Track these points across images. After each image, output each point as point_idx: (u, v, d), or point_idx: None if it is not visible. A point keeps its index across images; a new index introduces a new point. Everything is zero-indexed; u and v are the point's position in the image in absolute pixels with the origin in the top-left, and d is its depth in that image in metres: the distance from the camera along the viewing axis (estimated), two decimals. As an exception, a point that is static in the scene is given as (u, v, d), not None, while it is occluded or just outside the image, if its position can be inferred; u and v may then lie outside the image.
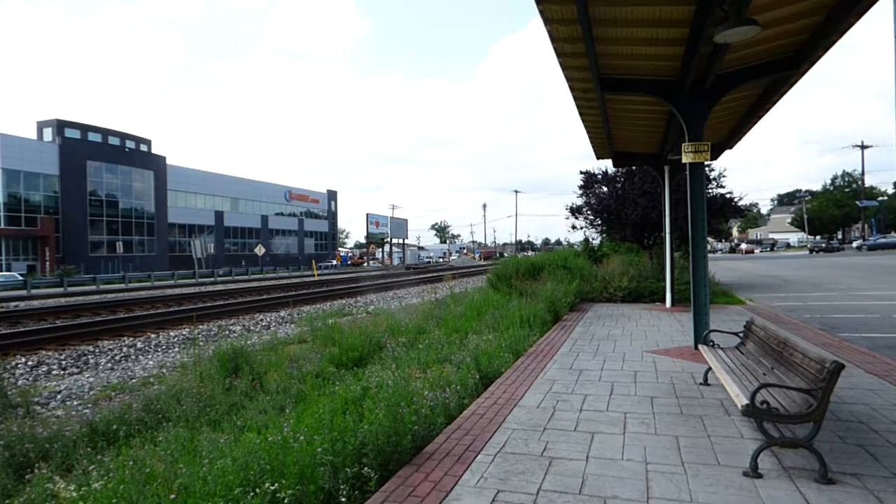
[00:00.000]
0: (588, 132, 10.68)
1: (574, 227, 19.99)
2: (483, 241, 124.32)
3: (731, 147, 11.11)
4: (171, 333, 12.67)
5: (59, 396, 7.24)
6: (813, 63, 6.67)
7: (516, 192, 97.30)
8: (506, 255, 71.62)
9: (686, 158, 6.94)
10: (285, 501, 2.89)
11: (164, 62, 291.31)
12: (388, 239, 76.31)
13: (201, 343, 9.98)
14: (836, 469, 3.38)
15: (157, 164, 55.21)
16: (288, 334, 11.30)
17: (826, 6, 5.52)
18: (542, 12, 5.26)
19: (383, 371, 6.14)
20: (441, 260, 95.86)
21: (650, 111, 9.16)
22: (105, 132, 51.93)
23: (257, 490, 2.92)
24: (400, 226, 76.27)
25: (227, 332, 11.94)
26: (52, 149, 46.14)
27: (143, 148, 55.75)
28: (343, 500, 3.07)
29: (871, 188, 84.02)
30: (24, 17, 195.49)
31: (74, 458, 4.20)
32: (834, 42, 6.12)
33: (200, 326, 13.31)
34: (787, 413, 3.36)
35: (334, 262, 70.08)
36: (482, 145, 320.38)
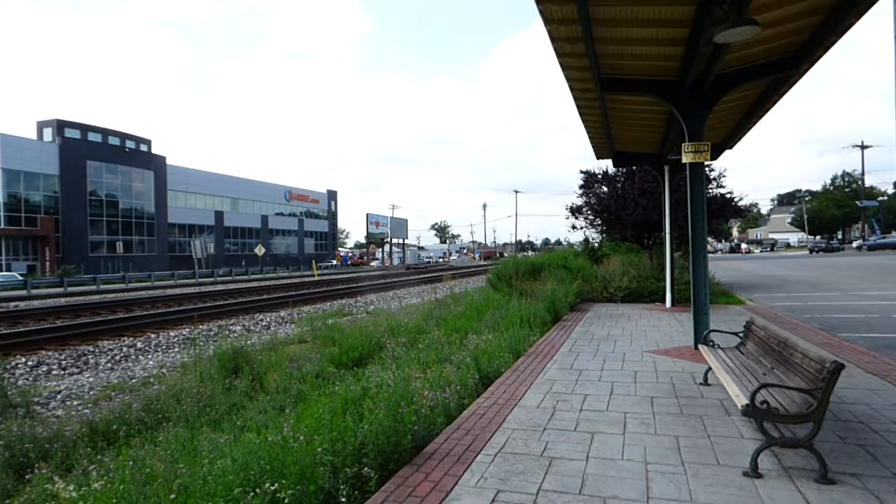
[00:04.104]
0: (588, 132, 10.68)
1: (574, 227, 19.94)
2: (483, 241, 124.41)
3: (731, 147, 11.11)
4: (171, 333, 12.67)
5: (59, 396, 7.24)
6: (813, 63, 6.67)
7: (516, 192, 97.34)
8: (506, 255, 71.61)
9: (686, 158, 6.94)
10: (285, 501, 2.89)
11: (164, 62, 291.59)
12: (388, 239, 76.30)
13: (201, 343, 9.98)
14: (836, 469, 3.38)
15: (157, 164, 55.21)
16: (288, 334, 11.30)
17: (826, 6, 5.52)
18: (542, 12, 5.26)
19: (383, 371, 6.15)
20: (441, 260, 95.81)
21: (650, 111, 9.16)
22: (105, 132, 51.91)
23: (257, 490, 2.92)
24: (400, 226, 76.25)
25: (228, 332, 11.94)
26: (52, 149, 46.13)
27: (143, 148, 55.74)
28: (343, 500, 3.07)
29: (871, 188, 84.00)
30: (24, 16, 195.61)
31: (74, 458, 4.21)
32: (834, 42, 6.12)
33: (200, 326, 13.31)
34: (787, 413, 3.36)
35: (334, 262, 70.08)
36: (483, 145, 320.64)
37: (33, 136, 47.52)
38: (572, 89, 7.75)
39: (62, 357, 10.11)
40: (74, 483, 3.29)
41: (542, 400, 5.15)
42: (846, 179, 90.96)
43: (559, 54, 6.35)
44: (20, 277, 35.69)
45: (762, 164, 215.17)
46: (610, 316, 11.09)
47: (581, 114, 9.20)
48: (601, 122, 9.49)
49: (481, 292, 14.44)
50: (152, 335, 12.50)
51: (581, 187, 19.21)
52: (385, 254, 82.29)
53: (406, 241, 79.43)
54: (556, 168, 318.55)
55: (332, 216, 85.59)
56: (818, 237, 78.68)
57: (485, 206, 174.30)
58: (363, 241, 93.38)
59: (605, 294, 14.10)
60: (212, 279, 39.45)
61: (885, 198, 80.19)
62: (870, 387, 5.31)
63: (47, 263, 43.05)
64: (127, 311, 17.99)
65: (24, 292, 28.45)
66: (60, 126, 48.01)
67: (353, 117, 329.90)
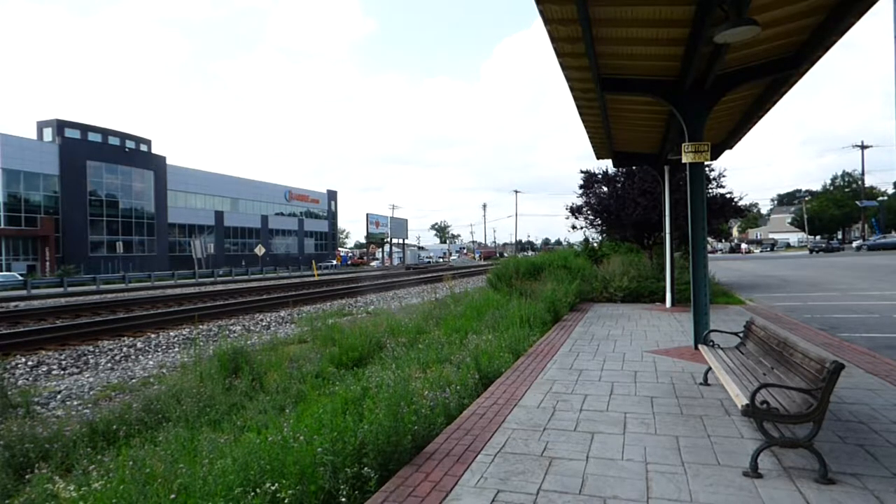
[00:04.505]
0: (588, 132, 10.68)
1: (574, 227, 19.94)
2: (483, 241, 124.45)
3: (731, 147, 11.11)
4: (171, 333, 12.67)
5: (59, 396, 7.24)
6: (813, 63, 6.67)
7: (516, 192, 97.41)
8: (506, 255, 71.60)
9: (686, 158, 6.94)
10: (286, 501, 2.89)
11: (164, 62, 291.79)
12: (388, 239, 76.30)
13: (201, 343, 9.98)
14: (836, 469, 3.38)
15: (157, 164, 55.21)
16: (288, 334, 11.30)
17: (826, 6, 5.52)
18: (542, 12, 5.26)
19: (383, 371, 6.15)
20: (441, 260, 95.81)
21: (650, 111, 9.16)
22: (105, 132, 51.90)
23: (258, 490, 2.92)
24: (400, 226, 76.24)
25: (228, 332, 11.94)
26: (52, 149, 46.12)
27: (143, 148, 55.73)
28: (343, 499, 3.07)
29: (871, 188, 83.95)
30: (25, 16, 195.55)
31: (74, 458, 4.20)
32: (834, 42, 6.12)
33: (200, 326, 13.31)
34: (787, 413, 3.36)
35: (334, 262, 70.08)
36: (483, 145, 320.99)
37: (33, 136, 47.53)
38: (572, 89, 7.75)
39: (62, 357, 10.11)
40: (74, 483, 3.29)
41: (542, 400, 5.15)
42: (846, 179, 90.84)
43: (559, 54, 6.35)
44: (20, 277, 35.69)
45: (762, 164, 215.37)
46: (610, 316, 11.09)
47: (581, 114, 9.20)
48: (601, 122, 9.49)
49: (481, 292, 14.44)
50: (152, 335, 12.49)
51: (581, 187, 19.21)
52: (385, 254, 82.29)
53: (406, 241, 79.44)
54: (556, 168, 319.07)
55: (332, 216, 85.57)
56: (818, 237, 78.68)
57: (485, 206, 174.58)
58: (363, 241, 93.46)
59: (605, 294, 14.10)
60: (212, 279, 39.44)
61: (885, 198, 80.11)
62: (870, 387, 5.31)
63: (47, 263, 43.04)
64: (127, 311, 17.99)
65: (24, 292, 28.45)
66: (60, 126, 47.99)
67: (353, 117, 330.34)
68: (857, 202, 68.70)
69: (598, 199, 18.47)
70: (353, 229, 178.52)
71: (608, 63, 6.87)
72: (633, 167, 16.70)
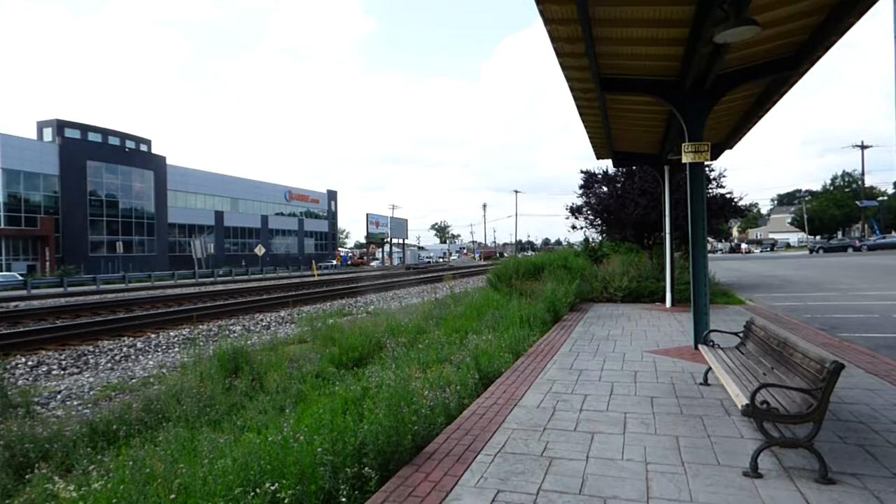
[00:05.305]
0: (588, 132, 10.68)
1: (574, 227, 19.95)
2: (483, 241, 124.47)
3: (731, 147, 11.11)
4: (171, 333, 12.67)
5: (59, 396, 7.24)
6: (813, 63, 6.67)
7: (516, 192, 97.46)
8: (506, 255, 71.64)
9: (686, 158, 6.94)
10: (286, 501, 2.89)
11: (164, 62, 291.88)
12: (388, 239, 76.30)
13: (201, 343, 9.98)
14: (836, 469, 3.38)
15: (157, 164, 55.22)
16: (288, 334, 11.30)
17: (826, 6, 5.52)
18: (542, 12, 5.26)
19: (383, 371, 6.15)
20: (441, 260, 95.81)
21: (650, 111, 9.16)
22: (105, 132, 51.91)
23: (258, 490, 2.92)
24: (400, 226, 76.24)
25: (228, 332, 11.93)
26: (52, 149, 46.13)
27: (143, 148, 55.75)
28: (343, 500, 3.07)
29: (871, 188, 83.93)
30: (25, 16, 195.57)
31: (74, 458, 4.21)
32: (834, 42, 6.12)
33: (200, 326, 13.31)
34: (787, 413, 3.36)
35: (334, 262, 70.08)
36: (483, 145, 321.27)
37: (33, 136, 47.53)
38: (572, 89, 7.74)
39: (62, 357, 10.11)
40: (74, 483, 3.29)
41: (542, 400, 5.15)
42: (846, 179, 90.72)
43: (559, 54, 6.35)
44: (20, 277, 35.69)
45: (762, 164, 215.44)
46: (610, 316, 11.09)
47: (581, 114, 9.20)
48: (601, 122, 9.49)
49: (481, 292, 14.44)
50: (152, 335, 12.49)
51: (581, 187, 19.21)
52: (385, 254, 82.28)
53: (406, 241, 79.43)
54: (556, 168, 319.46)
55: (332, 216, 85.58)
56: (818, 237, 78.65)
57: (485, 206, 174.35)
58: (363, 241, 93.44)
59: (605, 294, 14.10)
60: (212, 279, 39.44)
61: (885, 198, 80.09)
62: (870, 387, 5.31)
63: (47, 263, 43.04)
64: (127, 311, 17.99)
65: (24, 292, 28.45)
66: (60, 126, 48.00)
67: (354, 117, 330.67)
68: (857, 202, 68.64)
69: (598, 199, 18.47)
70: (353, 229, 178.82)
71: (608, 63, 6.87)
72: (633, 167, 16.70)
